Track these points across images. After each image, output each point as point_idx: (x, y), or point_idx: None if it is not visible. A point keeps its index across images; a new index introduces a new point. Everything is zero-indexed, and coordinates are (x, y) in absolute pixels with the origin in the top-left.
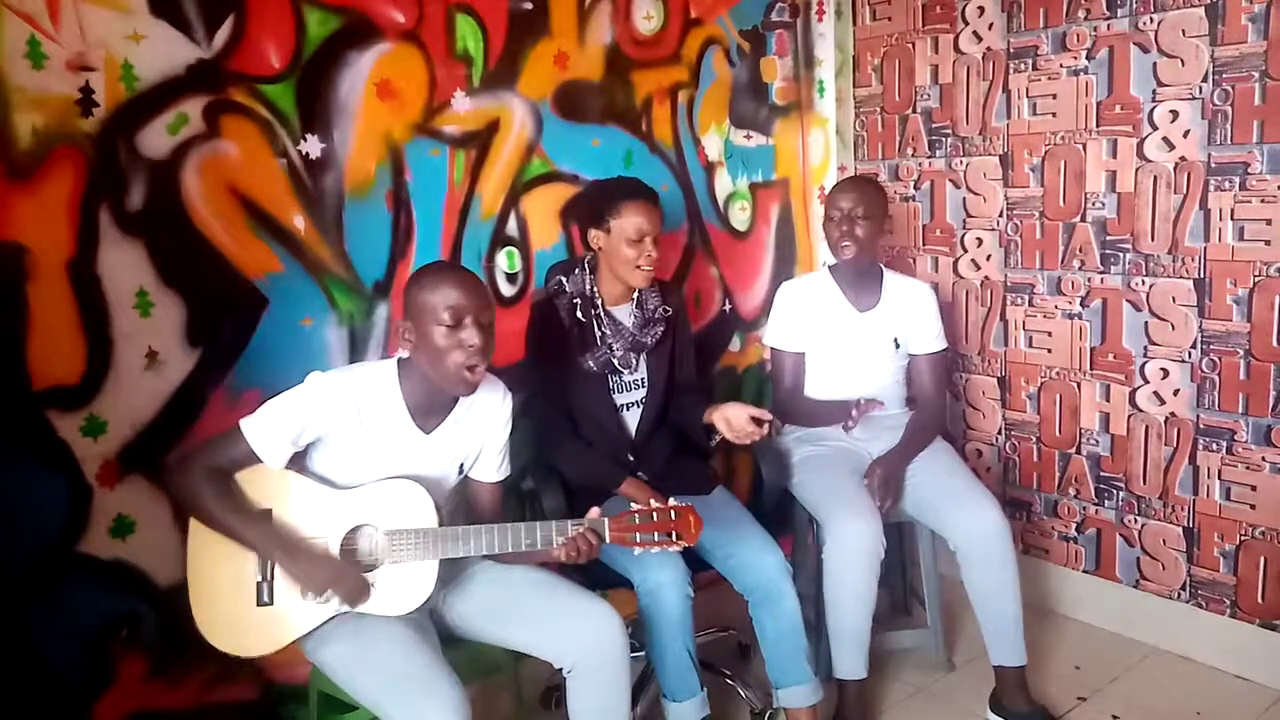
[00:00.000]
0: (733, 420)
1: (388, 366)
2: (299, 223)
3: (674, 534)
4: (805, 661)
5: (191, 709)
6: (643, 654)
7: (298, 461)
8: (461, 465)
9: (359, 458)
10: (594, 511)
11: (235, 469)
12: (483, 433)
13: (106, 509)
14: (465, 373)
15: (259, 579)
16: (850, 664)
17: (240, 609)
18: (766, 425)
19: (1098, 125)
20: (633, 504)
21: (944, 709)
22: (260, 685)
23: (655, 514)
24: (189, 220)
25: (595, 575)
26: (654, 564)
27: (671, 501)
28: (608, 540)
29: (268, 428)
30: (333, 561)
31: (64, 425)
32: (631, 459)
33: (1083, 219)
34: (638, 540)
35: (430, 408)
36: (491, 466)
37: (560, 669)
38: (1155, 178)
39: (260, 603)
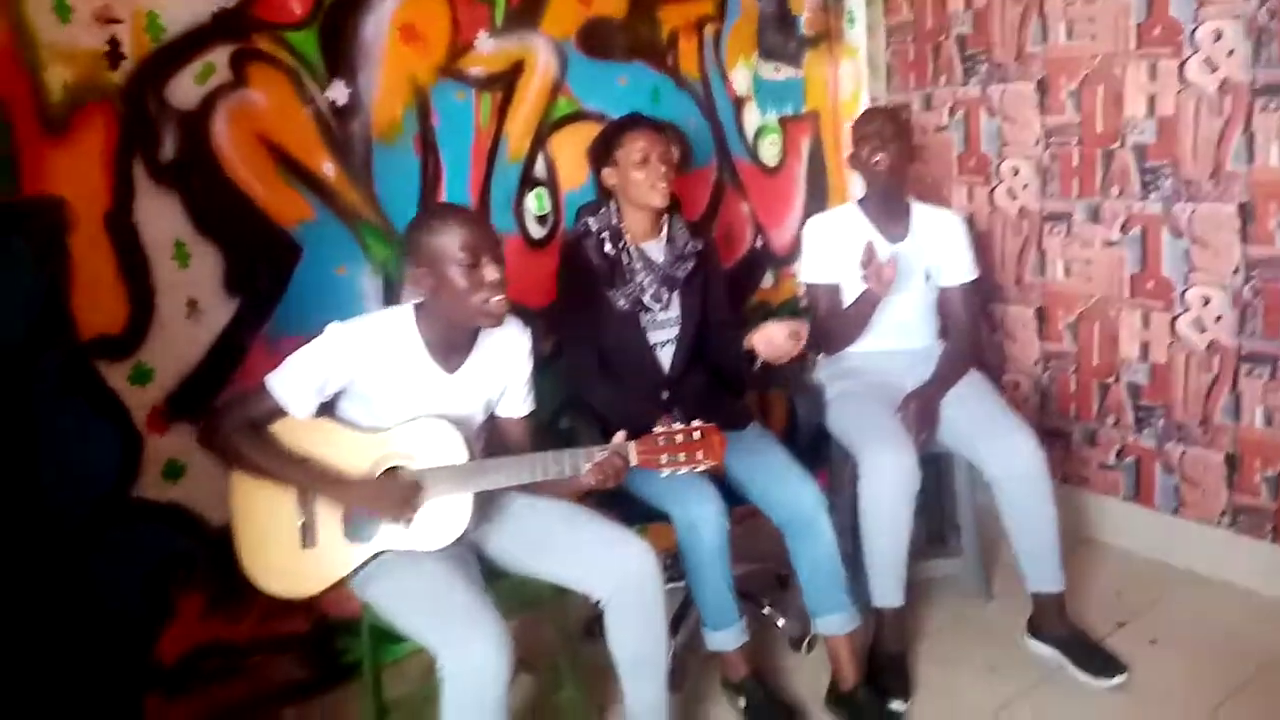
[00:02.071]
0: (773, 336)
1: (405, 312)
2: (328, 170)
3: (700, 453)
4: (842, 590)
5: (248, 642)
6: (683, 584)
7: (327, 410)
8: (488, 402)
9: (386, 402)
10: (619, 436)
11: (266, 423)
12: (505, 368)
13: (157, 454)
14: (488, 307)
15: (301, 522)
16: (887, 593)
17: (286, 553)
18: (802, 339)
19: (1137, 48)
20: (657, 429)
21: (981, 635)
22: (314, 619)
23: (680, 435)
24: (221, 170)
25: (633, 510)
26: (691, 498)
27: (696, 423)
28: (634, 463)
29: (292, 381)
30: (375, 480)
31: (112, 374)
32: (666, 396)
33: (1121, 145)
34: (664, 462)
35: (450, 348)
36: (517, 401)
37: (597, 601)
38: (1197, 100)
39: (305, 545)
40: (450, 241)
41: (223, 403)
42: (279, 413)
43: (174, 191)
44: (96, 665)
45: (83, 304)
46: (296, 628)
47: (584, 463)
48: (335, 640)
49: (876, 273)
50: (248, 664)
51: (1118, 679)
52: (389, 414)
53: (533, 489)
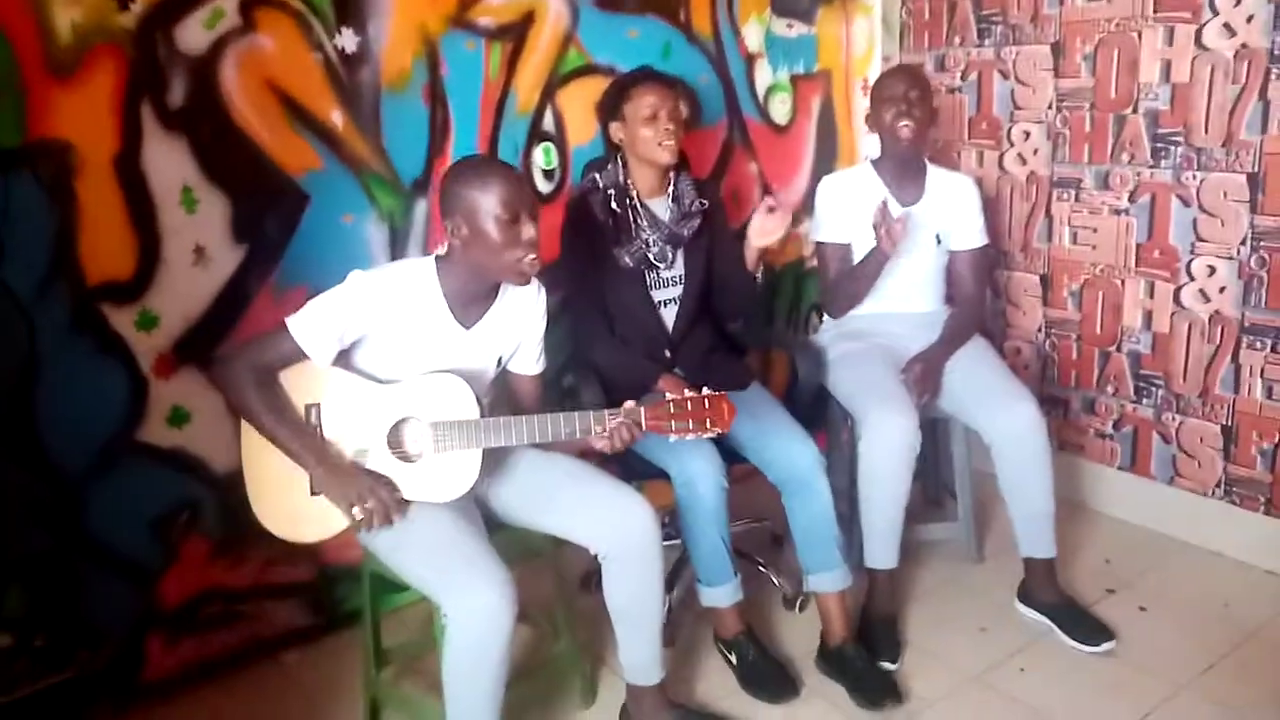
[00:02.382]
0: (758, 225)
1: (426, 264)
2: (336, 118)
3: (708, 421)
4: (836, 549)
5: (251, 588)
6: (679, 542)
7: (342, 360)
8: (500, 358)
9: (401, 353)
10: (629, 404)
11: (281, 367)
12: (520, 326)
13: (163, 400)
14: (522, 265)
15: None
16: (881, 553)
17: (294, 498)
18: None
19: (1155, 11)
20: (667, 395)
21: (973, 598)
22: (316, 566)
23: (690, 403)
24: (229, 116)
25: (633, 467)
26: (690, 456)
27: (705, 390)
28: (644, 428)
29: (313, 325)
30: (364, 478)
31: (118, 319)
32: (668, 355)
33: (1134, 110)
34: (673, 428)
35: (469, 302)
36: (530, 359)
37: (595, 554)
38: (1213, 67)
39: (313, 492)
40: (490, 196)
41: (240, 342)
42: (296, 356)
43: (182, 137)
44: (102, 605)
45: (90, 248)
46: (298, 575)
47: (595, 425)
48: (336, 588)
49: (888, 231)
50: (249, 609)
51: (1105, 645)
52: (403, 365)
53: (541, 445)
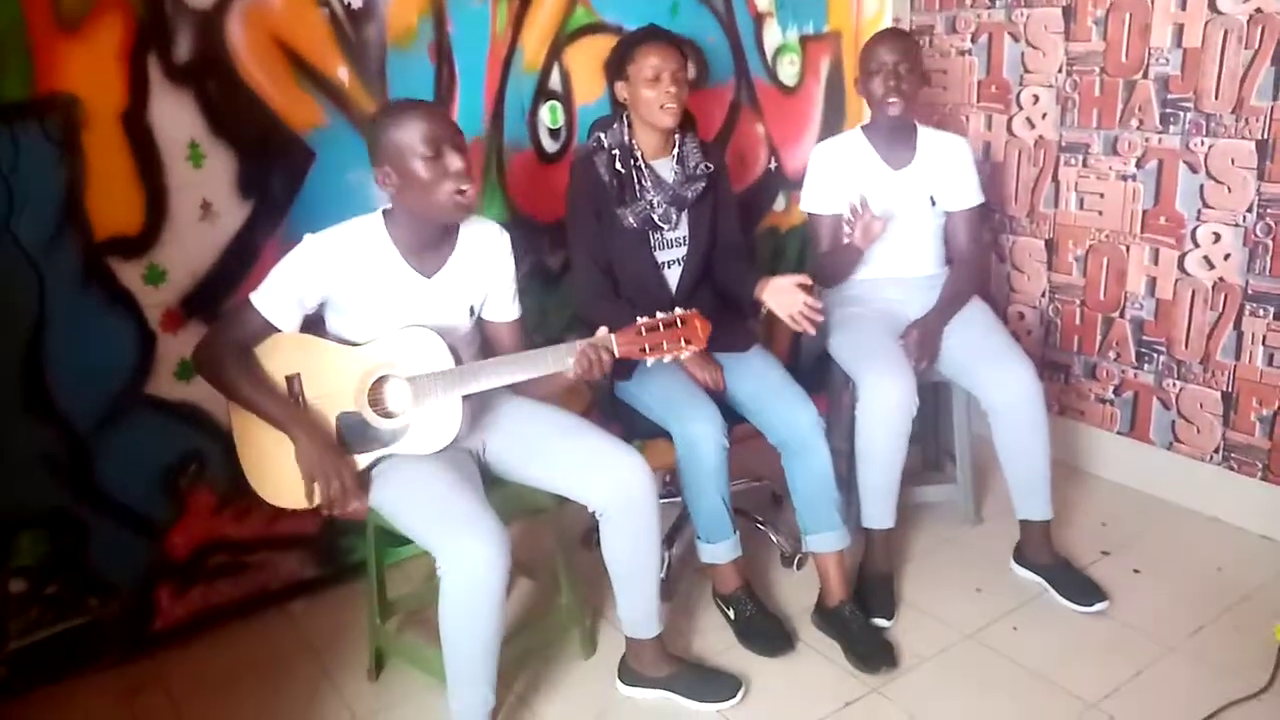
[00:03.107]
0: (781, 287)
1: (375, 218)
2: (342, 75)
3: (683, 340)
4: (835, 510)
5: (257, 539)
6: (680, 500)
7: (316, 328)
8: (471, 307)
9: (369, 312)
10: (602, 330)
11: (254, 341)
12: (485, 271)
13: (170, 353)
14: (457, 197)
15: None
16: (879, 514)
17: (286, 467)
18: (809, 293)
19: None
20: (640, 319)
21: (969, 559)
22: (322, 519)
23: (661, 324)
24: (235, 71)
25: (635, 427)
26: (691, 417)
27: (677, 311)
28: (617, 353)
29: (274, 295)
30: (333, 457)
31: (126, 273)
32: None
33: (1144, 76)
34: (647, 350)
35: (424, 250)
36: (503, 304)
37: (592, 511)
38: (1226, 32)
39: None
40: (409, 134)
41: (212, 326)
42: (267, 328)
43: (189, 92)
44: (113, 556)
45: (98, 203)
46: (304, 527)
47: (568, 357)
48: (341, 540)
49: (865, 227)
50: (256, 560)
51: (1098, 606)
52: (373, 324)
53: (523, 390)
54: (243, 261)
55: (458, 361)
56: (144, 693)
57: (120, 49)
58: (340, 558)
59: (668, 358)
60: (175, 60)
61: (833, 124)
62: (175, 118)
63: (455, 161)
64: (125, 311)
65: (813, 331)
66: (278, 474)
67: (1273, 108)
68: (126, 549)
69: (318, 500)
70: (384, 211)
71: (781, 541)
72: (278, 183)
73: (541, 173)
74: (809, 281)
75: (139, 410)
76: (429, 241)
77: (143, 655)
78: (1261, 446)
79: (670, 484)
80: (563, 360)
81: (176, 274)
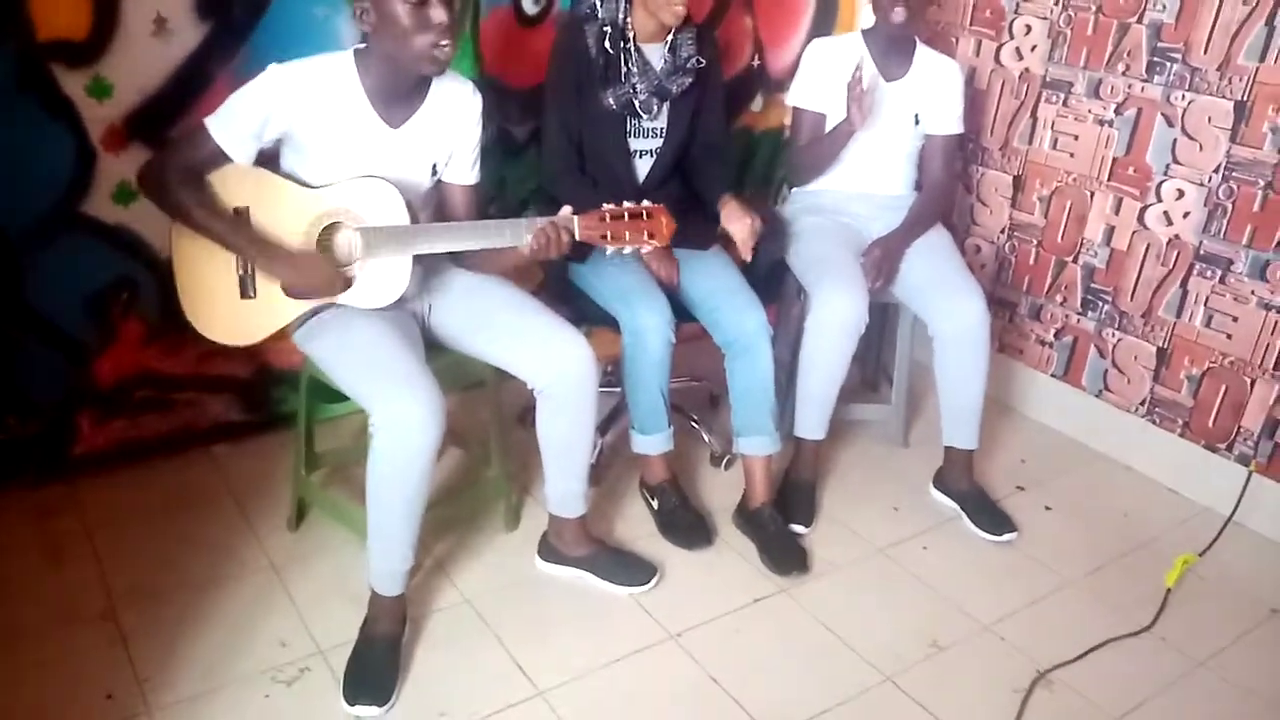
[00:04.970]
0: (735, 218)
1: (345, 57)
2: None
3: (646, 233)
4: (769, 415)
5: (187, 377)
6: (619, 390)
7: (271, 164)
8: (434, 165)
9: (328, 155)
10: (565, 209)
11: (206, 169)
12: (453, 130)
13: (110, 173)
14: (435, 51)
15: (240, 273)
16: (811, 424)
17: (226, 301)
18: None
19: None
20: (605, 206)
21: (891, 478)
22: (255, 365)
23: (627, 213)
24: None
25: (584, 311)
26: (641, 307)
27: (645, 203)
28: (577, 236)
29: (230, 123)
30: (304, 257)
31: (69, 82)
32: None
33: (1139, 20)
34: (608, 238)
35: (393, 98)
36: (464, 167)
37: (531, 388)
38: None
39: (245, 295)
40: None
41: (162, 148)
42: (220, 157)
43: None
44: (35, 376)
45: (41, 1)
46: (236, 370)
47: (526, 233)
48: (273, 389)
49: (859, 98)
50: (183, 398)
51: (1006, 536)
52: (331, 168)
53: (475, 263)
54: (195, 85)
55: (414, 220)
56: (57, 516)
57: None
58: (271, 406)
59: (628, 249)
60: None
61: (823, 26)
62: None
63: (440, 14)
64: (65, 123)
65: (746, 257)
66: (212, 307)
67: (1257, 69)
68: (50, 370)
69: (304, 301)
70: (355, 51)
71: (713, 442)
72: (240, 6)
73: (518, 35)
74: (759, 224)
75: (73, 229)
76: (399, 90)
77: (59, 479)
78: (1185, 404)
79: (611, 374)
80: (520, 235)
81: (123, 90)
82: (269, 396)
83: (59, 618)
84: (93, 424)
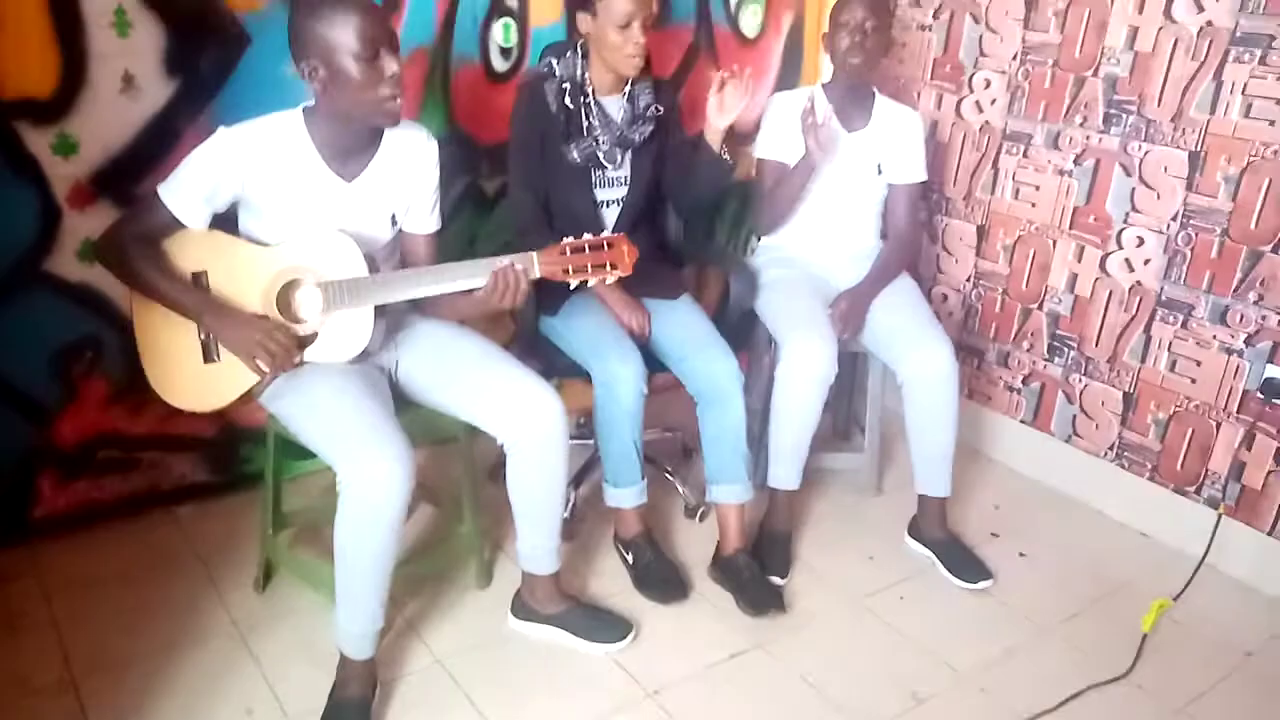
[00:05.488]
0: (718, 99)
1: (294, 115)
2: None
3: (609, 264)
4: (742, 464)
5: (150, 437)
6: (592, 443)
7: (229, 225)
8: (393, 216)
9: (283, 214)
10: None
11: (160, 236)
12: (410, 178)
13: (75, 231)
14: (387, 104)
15: (203, 338)
16: (785, 474)
17: (190, 367)
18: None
19: None
20: (565, 239)
21: (865, 528)
22: (220, 424)
23: (587, 245)
24: None
25: (554, 364)
26: (613, 357)
27: (606, 233)
28: (536, 274)
29: (182, 189)
30: (260, 323)
31: (34, 140)
32: None
33: (1095, 73)
34: (570, 271)
35: (346, 153)
36: (423, 214)
37: (501, 443)
38: (1176, 40)
39: (208, 360)
40: (346, 31)
41: (118, 217)
42: (174, 223)
43: None
44: None
45: (7, 59)
46: (201, 429)
47: (485, 273)
48: (239, 448)
49: (813, 129)
50: (147, 459)
51: (982, 584)
52: (287, 227)
53: (437, 309)
54: (162, 142)
55: (374, 271)
56: (14, 581)
57: None
58: (236, 465)
59: (592, 280)
60: None
61: (789, 79)
62: None
63: (391, 65)
64: (29, 180)
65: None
66: (176, 373)
67: (1209, 121)
68: (10, 430)
69: (266, 370)
70: (304, 109)
71: (687, 493)
72: (207, 64)
73: (488, 91)
74: (726, 75)
75: (36, 287)
76: (352, 144)
77: (18, 543)
78: (1153, 448)
79: (584, 426)
80: (478, 275)
81: (89, 147)
82: (235, 455)
83: (14, 688)
84: (53, 485)
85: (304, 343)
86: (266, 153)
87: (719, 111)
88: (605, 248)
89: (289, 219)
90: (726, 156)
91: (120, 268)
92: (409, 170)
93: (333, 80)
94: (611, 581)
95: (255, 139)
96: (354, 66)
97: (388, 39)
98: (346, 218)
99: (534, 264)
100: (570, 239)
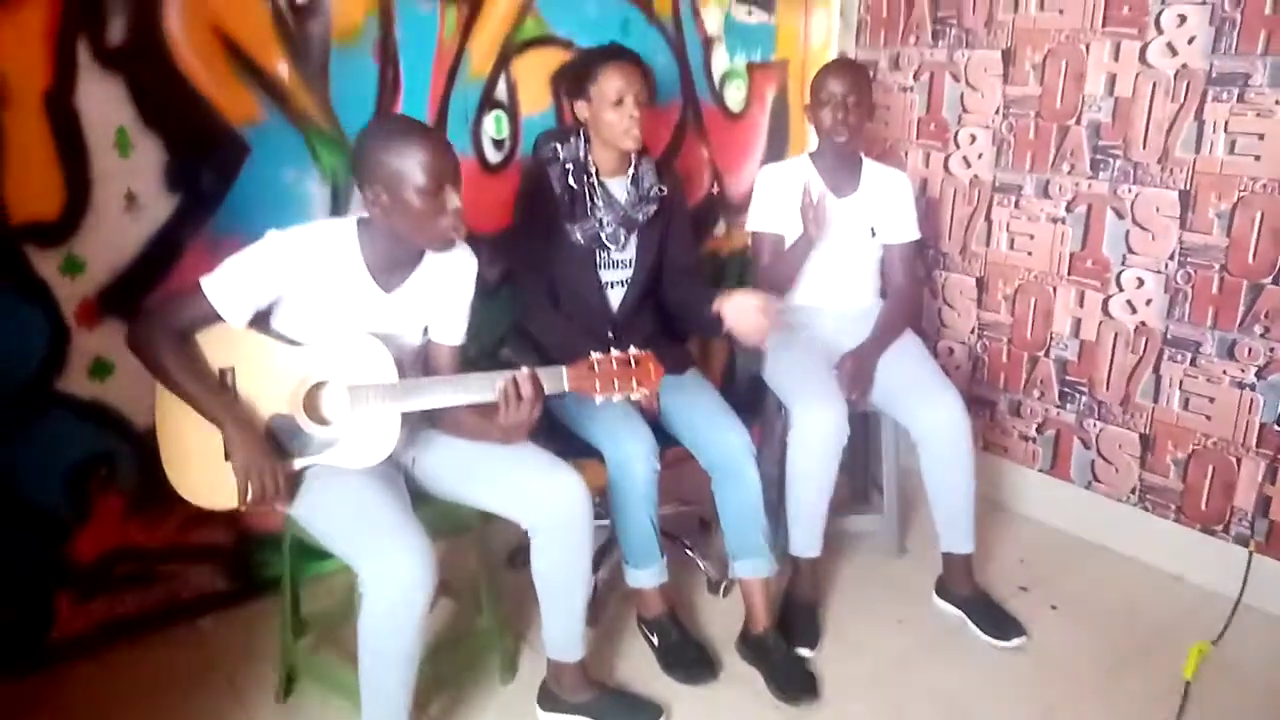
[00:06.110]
0: (744, 306)
1: (348, 225)
2: (282, 70)
3: (635, 380)
4: (762, 536)
5: (167, 548)
6: (608, 522)
7: (259, 322)
8: (426, 327)
9: (320, 317)
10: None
11: (196, 328)
12: (447, 293)
13: (85, 349)
14: (448, 234)
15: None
16: (806, 542)
17: (209, 465)
18: (772, 316)
19: (1103, 25)
20: (593, 354)
21: (892, 590)
22: (236, 530)
23: (615, 362)
24: (170, 59)
25: (566, 446)
26: (624, 437)
27: (632, 350)
28: (566, 388)
29: (228, 286)
30: (267, 459)
31: (42, 262)
32: (611, 336)
33: (1078, 121)
34: (597, 388)
35: (391, 268)
36: (452, 327)
37: (524, 528)
38: (1154, 84)
39: (229, 458)
40: (412, 164)
41: (155, 303)
42: (212, 317)
43: (119, 76)
44: (9, 558)
45: (14, 186)
46: (217, 538)
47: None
48: (256, 553)
49: (809, 209)
50: (165, 571)
51: (1016, 641)
52: (321, 329)
53: (457, 429)
54: (167, 257)
55: (402, 377)
56: (36, 711)
57: (47, 26)
58: (254, 571)
59: (617, 397)
60: (107, 43)
61: (776, 151)
62: (103, 103)
63: (454, 200)
64: (39, 302)
65: (764, 346)
66: (199, 471)
67: (1195, 160)
68: (25, 551)
69: (249, 497)
70: (359, 221)
71: (708, 567)
72: (208, 178)
73: (483, 183)
74: (771, 307)
75: (48, 407)
76: (399, 261)
77: (37, 669)
78: (1175, 489)
79: (600, 505)
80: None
81: (96, 266)
82: (253, 561)
83: None
84: (72, 605)
85: (294, 490)
86: (315, 259)
87: (737, 313)
88: (633, 364)
89: (324, 322)
90: (721, 325)
91: (150, 360)
92: (448, 285)
93: (394, 207)
94: (638, 664)
95: (307, 245)
96: (417, 200)
97: (452, 175)
98: (381, 325)
99: (563, 379)
100: (598, 355)
